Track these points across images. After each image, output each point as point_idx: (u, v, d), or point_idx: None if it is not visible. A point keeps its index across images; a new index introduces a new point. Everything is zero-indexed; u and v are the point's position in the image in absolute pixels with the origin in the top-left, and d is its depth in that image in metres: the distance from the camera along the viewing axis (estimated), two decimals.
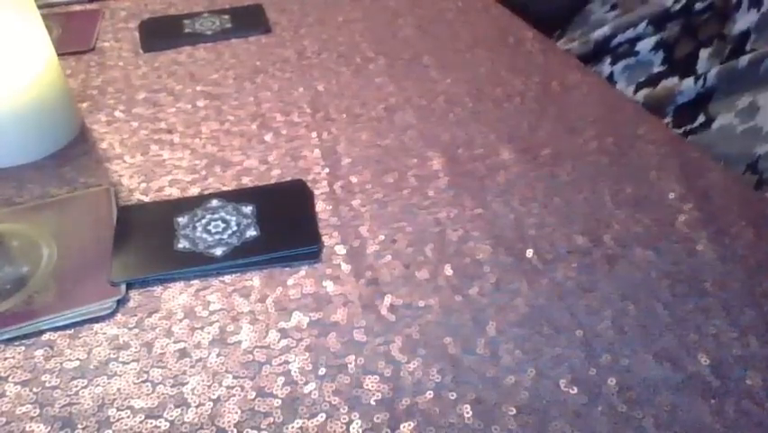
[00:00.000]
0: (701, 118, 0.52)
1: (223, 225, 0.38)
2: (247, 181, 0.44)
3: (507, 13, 0.66)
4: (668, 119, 0.55)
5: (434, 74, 0.56)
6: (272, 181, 0.44)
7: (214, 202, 0.41)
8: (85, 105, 0.53)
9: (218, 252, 0.36)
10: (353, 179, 0.45)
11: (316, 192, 0.44)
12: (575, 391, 0.31)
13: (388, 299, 0.36)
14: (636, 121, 0.50)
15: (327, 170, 0.46)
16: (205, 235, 0.38)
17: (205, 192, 0.43)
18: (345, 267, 0.38)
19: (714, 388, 0.31)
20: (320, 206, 0.42)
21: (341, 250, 0.39)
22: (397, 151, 0.47)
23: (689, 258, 0.38)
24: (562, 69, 0.57)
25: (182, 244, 0.37)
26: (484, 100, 0.53)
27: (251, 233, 0.38)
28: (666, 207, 0.42)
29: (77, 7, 0.69)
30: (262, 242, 0.38)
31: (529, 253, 0.39)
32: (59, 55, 0.49)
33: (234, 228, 0.38)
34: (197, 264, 0.37)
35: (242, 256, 0.38)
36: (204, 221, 0.39)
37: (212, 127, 0.50)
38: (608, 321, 0.35)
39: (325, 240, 0.40)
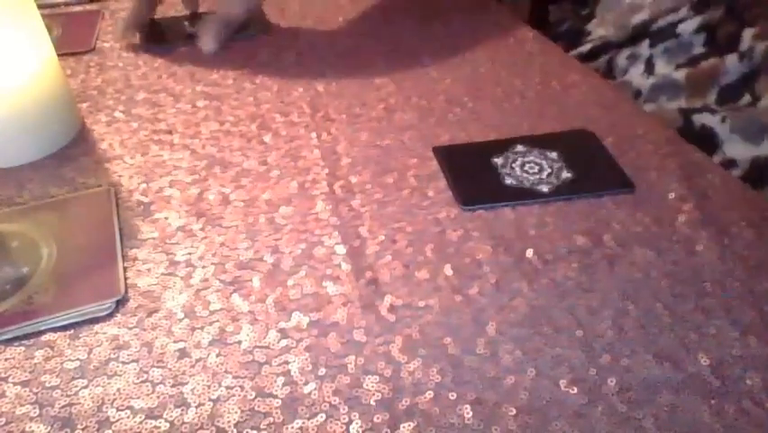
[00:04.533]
0: (747, 98, 0.50)
1: (537, 167, 0.44)
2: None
3: (507, 13, 0.66)
4: (710, 99, 0.53)
5: (434, 74, 0.56)
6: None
7: (519, 147, 0.46)
8: (85, 105, 0.53)
9: (545, 188, 0.42)
10: (353, 180, 0.45)
11: (316, 192, 0.44)
12: (575, 391, 0.31)
13: (388, 300, 0.36)
14: (636, 121, 0.50)
15: (327, 170, 0.46)
16: (526, 175, 0.44)
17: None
18: (345, 267, 0.38)
19: (714, 388, 0.31)
20: (320, 206, 0.42)
21: (341, 250, 0.39)
22: (397, 151, 0.47)
23: (689, 258, 0.38)
24: (562, 68, 0.57)
25: (509, 181, 0.43)
26: (484, 100, 0.53)
27: (566, 174, 0.44)
28: (666, 207, 0.42)
29: (77, 7, 0.69)
30: (579, 182, 0.44)
31: (529, 253, 0.39)
32: (59, 55, 0.49)
33: (549, 170, 0.44)
34: (529, 198, 0.42)
35: (566, 193, 0.43)
36: (518, 163, 0.45)
37: (211, 128, 0.50)
38: (608, 321, 0.35)
39: (325, 240, 0.40)
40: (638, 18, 0.61)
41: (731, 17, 0.54)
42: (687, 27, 0.58)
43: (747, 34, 0.52)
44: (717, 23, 0.55)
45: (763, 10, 0.53)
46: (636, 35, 0.61)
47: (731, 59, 0.52)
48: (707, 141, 0.46)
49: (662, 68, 0.58)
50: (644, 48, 0.60)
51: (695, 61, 0.56)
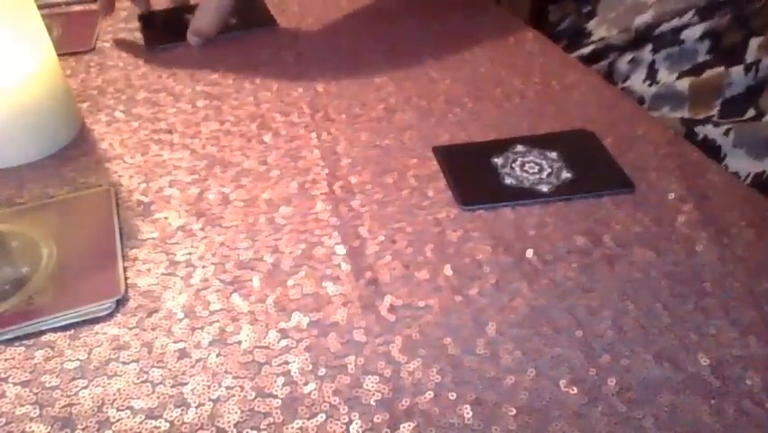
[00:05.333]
0: (751, 112, 0.50)
1: (537, 167, 0.44)
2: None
3: (507, 14, 0.66)
4: (714, 111, 0.52)
5: (434, 74, 0.56)
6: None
7: (519, 147, 0.46)
8: (85, 105, 0.53)
9: (544, 188, 0.43)
10: (353, 180, 0.45)
11: (316, 192, 0.44)
12: (575, 391, 0.31)
13: (388, 300, 0.36)
14: (636, 121, 0.50)
15: (327, 170, 0.46)
16: (525, 175, 0.44)
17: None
18: (345, 267, 0.38)
19: (714, 388, 0.31)
20: (320, 206, 0.42)
21: (341, 250, 0.39)
22: (397, 151, 0.47)
23: (689, 258, 0.38)
24: (562, 68, 0.57)
25: (508, 181, 0.43)
26: (484, 100, 0.53)
27: (566, 175, 0.44)
28: (666, 207, 0.42)
29: (77, 7, 0.69)
30: (579, 183, 0.44)
31: (529, 253, 0.39)
32: (59, 55, 0.49)
33: (549, 170, 0.44)
34: (529, 198, 0.42)
35: (566, 193, 0.43)
36: (518, 163, 0.45)
37: (211, 127, 0.50)
38: (607, 321, 0.35)
39: (325, 240, 0.40)
40: (641, 20, 0.60)
41: (737, 25, 0.53)
42: (691, 34, 0.57)
43: (753, 44, 0.52)
44: (722, 31, 0.54)
45: None
46: (639, 38, 0.60)
47: (737, 71, 0.51)
48: (709, 153, 0.46)
49: (664, 75, 0.57)
50: (646, 53, 0.59)
51: (699, 70, 0.55)
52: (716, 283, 0.37)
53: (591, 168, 0.45)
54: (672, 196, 0.43)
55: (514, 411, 0.31)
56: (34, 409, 0.31)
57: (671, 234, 0.40)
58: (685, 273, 0.37)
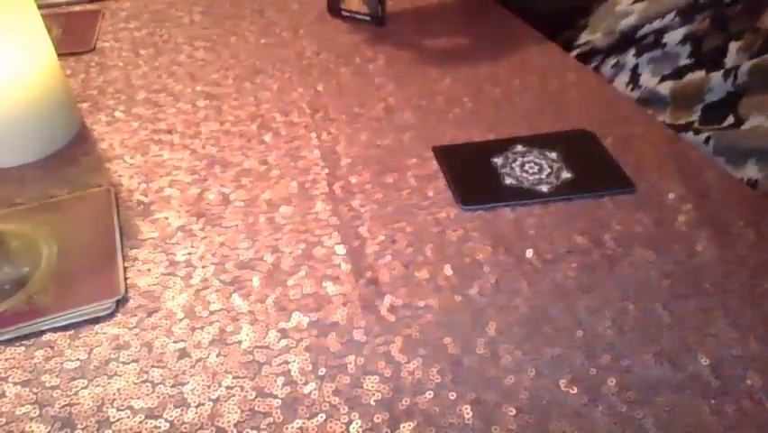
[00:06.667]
0: (731, 119, 0.50)
1: (537, 167, 0.44)
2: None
3: (507, 14, 0.66)
4: (695, 117, 0.53)
5: (434, 74, 0.56)
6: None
7: (519, 147, 0.46)
8: (85, 105, 0.53)
9: (544, 188, 0.43)
10: (353, 180, 0.45)
11: (316, 192, 0.44)
12: (575, 391, 0.31)
13: (388, 299, 0.36)
14: (636, 121, 0.50)
15: (327, 170, 0.46)
16: (525, 175, 0.44)
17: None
18: (345, 267, 0.38)
19: (714, 388, 0.31)
20: (320, 206, 0.42)
21: (341, 250, 0.39)
22: (397, 151, 0.47)
23: (689, 258, 0.38)
24: (561, 68, 0.57)
25: (508, 181, 0.43)
26: (484, 100, 0.53)
27: (566, 175, 0.44)
28: (666, 207, 0.42)
29: (77, 7, 0.69)
30: (579, 183, 0.44)
31: (529, 253, 0.39)
32: (59, 55, 0.49)
33: (549, 170, 0.44)
34: (529, 198, 0.42)
35: (566, 193, 0.43)
36: (518, 163, 0.45)
37: (212, 127, 0.50)
38: (608, 321, 0.35)
39: (325, 240, 0.40)
40: (625, 23, 0.61)
41: (717, 28, 0.54)
42: (673, 37, 0.57)
43: (733, 48, 0.52)
44: (703, 35, 0.55)
45: (748, 23, 0.53)
46: (623, 40, 0.61)
47: (716, 77, 0.51)
48: None
49: (647, 79, 0.57)
50: (629, 57, 0.60)
51: (680, 73, 0.55)
52: (716, 283, 0.37)
53: (591, 168, 0.45)
54: (672, 196, 0.43)
55: (514, 411, 0.31)
56: (34, 408, 0.31)
57: (671, 234, 0.40)
58: (685, 273, 0.37)
